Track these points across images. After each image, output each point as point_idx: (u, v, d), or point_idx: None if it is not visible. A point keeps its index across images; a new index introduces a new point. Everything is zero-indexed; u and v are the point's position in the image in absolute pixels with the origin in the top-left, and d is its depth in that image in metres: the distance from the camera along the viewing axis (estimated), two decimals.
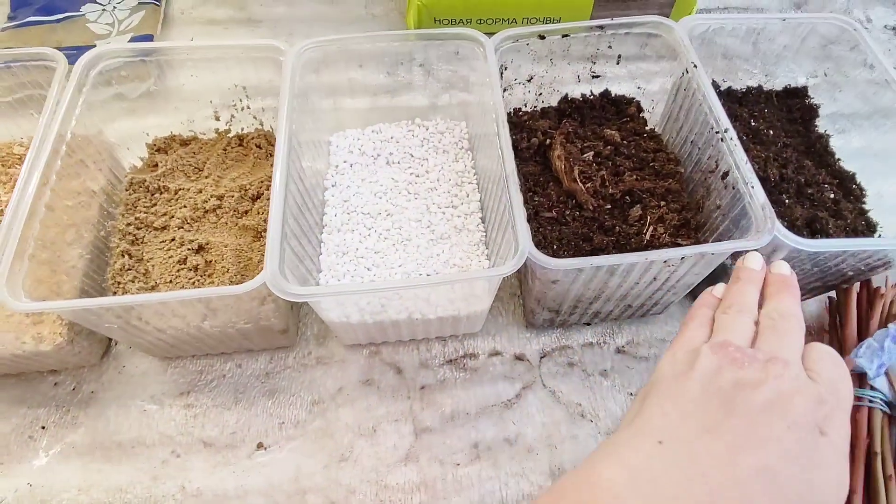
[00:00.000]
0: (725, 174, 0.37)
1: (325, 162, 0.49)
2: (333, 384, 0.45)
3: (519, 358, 0.46)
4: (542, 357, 0.46)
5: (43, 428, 0.42)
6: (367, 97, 0.54)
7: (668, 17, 0.65)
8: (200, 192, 0.45)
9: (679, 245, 0.39)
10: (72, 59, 0.61)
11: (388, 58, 0.64)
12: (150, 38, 0.62)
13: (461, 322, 0.42)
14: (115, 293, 0.40)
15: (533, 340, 0.46)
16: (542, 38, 0.45)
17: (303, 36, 0.68)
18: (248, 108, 0.48)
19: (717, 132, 0.39)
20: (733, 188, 0.36)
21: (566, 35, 0.45)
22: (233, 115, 0.48)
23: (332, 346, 0.46)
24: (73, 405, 0.43)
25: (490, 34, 0.66)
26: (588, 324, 0.46)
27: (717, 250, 0.32)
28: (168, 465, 0.41)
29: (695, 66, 0.42)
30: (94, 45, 0.63)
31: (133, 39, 0.61)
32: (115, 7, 0.65)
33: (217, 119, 0.48)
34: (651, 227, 0.40)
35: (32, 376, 0.44)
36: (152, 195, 0.45)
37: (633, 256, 0.32)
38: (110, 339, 0.46)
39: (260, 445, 0.42)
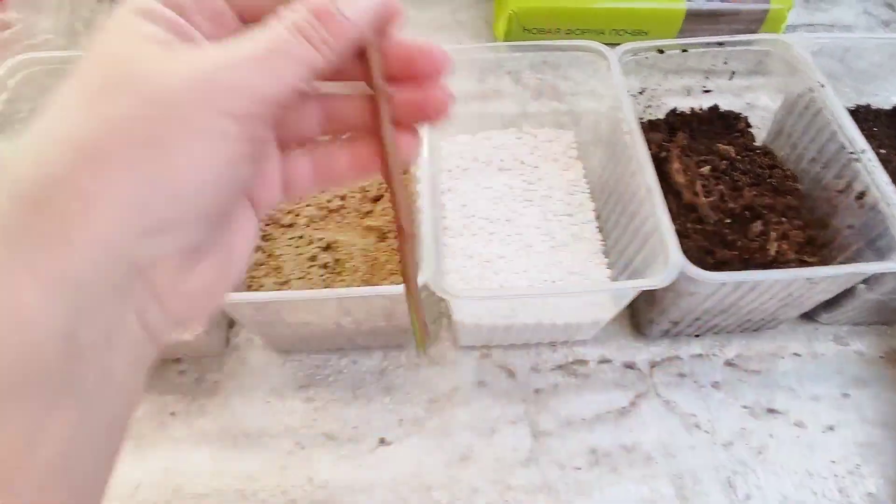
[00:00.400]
0: (861, 195, 0.38)
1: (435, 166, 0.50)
2: (447, 384, 0.46)
3: (629, 366, 0.46)
4: (652, 367, 0.46)
5: (173, 414, 0.44)
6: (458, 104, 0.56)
7: (755, 32, 0.66)
8: (324, 190, 0.46)
9: (805, 262, 0.40)
10: None
11: (479, 65, 0.66)
12: None
13: (581, 329, 0.43)
14: (249, 286, 0.42)
15: (642, 350, 0.47)
16: (661, 52, 0.46)
17: None
18: None
19: (850, 153, 0.39)
20: (871, 209, 0.37)
21: (685, 50, 0.46)
22: None
23: (443, 347, 0.47)
24: (199, 394, 0.45)
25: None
26: (697, 335, 0.47)
27: (873, 270, 0.33)
28: (294, 456, 0.42)
29: (821, 84, 0.43)
30: None
31: None
32: None
33: None
34: (776, 243, 0.41)
35: (158, 364, 0.46)
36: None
37: (793, 272, 0.32)
38: (229, 331, 0.47)
39: (382, 441, 0.43)
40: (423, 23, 0.69)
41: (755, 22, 0.65)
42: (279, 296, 0.35)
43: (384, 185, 0.47)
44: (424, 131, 0.26)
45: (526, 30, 0.66)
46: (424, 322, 0.22)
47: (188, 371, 0.46)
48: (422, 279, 0.33)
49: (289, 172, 0.19)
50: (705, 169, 0.45)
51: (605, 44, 0.66)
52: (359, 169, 0.20)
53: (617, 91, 0.43)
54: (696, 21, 0.65)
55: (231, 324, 0.47)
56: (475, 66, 0.52)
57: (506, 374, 0.46)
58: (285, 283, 0.42)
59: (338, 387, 0.45)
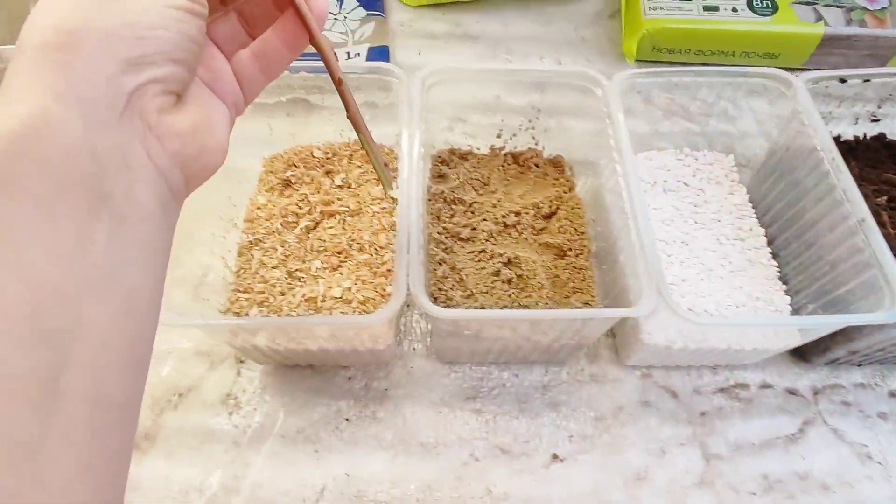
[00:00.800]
0: None
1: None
2: (611, 402, 0.46)
3: (791, 392, 0.47)
4: (814, 393, 0.47)
5: (347, 420, 0.45)
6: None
7: (888, 59, 0.65)
8: (495, 206, 0.47)
9: None
10: (317, 62, 0.65)
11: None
12: (385, 49, 0.64)
13: (755, 355, 0.44)
14: (436, 298, 0.42)
15: (802, 376, 0.47)
16: (843, 81, 0.46)
17: (521, 55, 0.71)
18: (533, 128, 0.50)
19: None
20: None
21: (867, 80, 0.46)
22: (514, 134, 0.50)
23: (603, 364, 0.48)
24: (370, 400, 0.46)
25: (703, 65, 0.68)
26: (859, 364, 0.47)
27: None
28: (469, 467, 0.43)
29: None
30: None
31: (370, 49, 0.64)
32: (346, 17, 0.68)
33: (499, 136, 0.51)
34: None
35: (326, 370, 0.47)
36: (450, 206, 0.47)
37: None
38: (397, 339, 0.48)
39: (555, 457, 0.43)
40: (546, 38, 0.70)
41: (892, 48, 0.65)
42: (498, 314, 0.35)
43: (556, 203, 0.47)
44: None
45: (656, 49, 0.66)
46: (384, 162, 0.30)
47: (356, 377, 0.47)
48: (644, 307, 0.34)
49: (237, 69, 0.24)
50: (882, 199, 0.45)
51: (732, 65, 0.67)
52: (288, 43, 0.25)
53: (811, 119, 0.43)
54: (831, 45, 0.65)
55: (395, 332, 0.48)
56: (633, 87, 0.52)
57: (669, 395, 0.47)
58: (470, 295, 0.42)
59: (504, 400, 0.46)
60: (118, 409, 0.18)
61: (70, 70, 0.18)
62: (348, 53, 0.64)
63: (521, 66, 0.45)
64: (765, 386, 0.47)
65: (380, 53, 0.64)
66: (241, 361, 0.47)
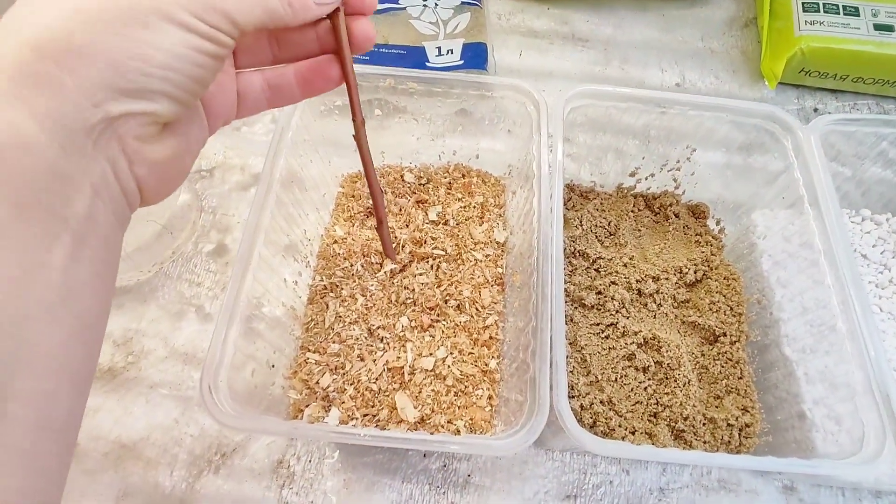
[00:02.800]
0: None
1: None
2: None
3: None
4: None
5: None
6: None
7: None
8: (626, 266, 0.37)
9: None
10: (400, 59, 0.56)
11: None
12: (483, 47, 0.55)
13: None
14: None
15: None
16: None
17: (640, 65, 0.60)
18: (678, 169, 0.40)
19: None
20: None
21: None
22: (652, 174, 0.41)
23: (735, 469, 0.39)
24: (449, 488, 0.37)
25: (858, 93, 0.57)
26: None
27: None
28: None
29: None
30: (422, 46, 0.58)
31: (465, 46, 0.55)
32: (437, 4, 0.59)
33: (632, 175, 0.41)
34: None
35: (401, 449, 0.39)
36: (570, 260, 0.38)
37: None
38: None
39: None
40: (668, 46, 0.60)
41: None
42: (668, 456, 0.26)
43: (703, 267, 0.38)
44: None
45: (804, 72, 0.55)
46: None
47: (432, 455, 0.38)
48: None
49: (242, 86, 0.24)
50: None
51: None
52: (304, 84, 0.25)
53: None
54: None
55: None
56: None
57: None
58: (594, 382, 0.34)
59: (609, 502, 0.37)
60: (61, 431, 0.18)
61: (58, 89, 0.16)
62: (439, 49, 0.55)
63: (686, 95, 0.35)
64: None
65: (476, 52, 0.54)
66: None
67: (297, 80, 0.24)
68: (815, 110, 0.56)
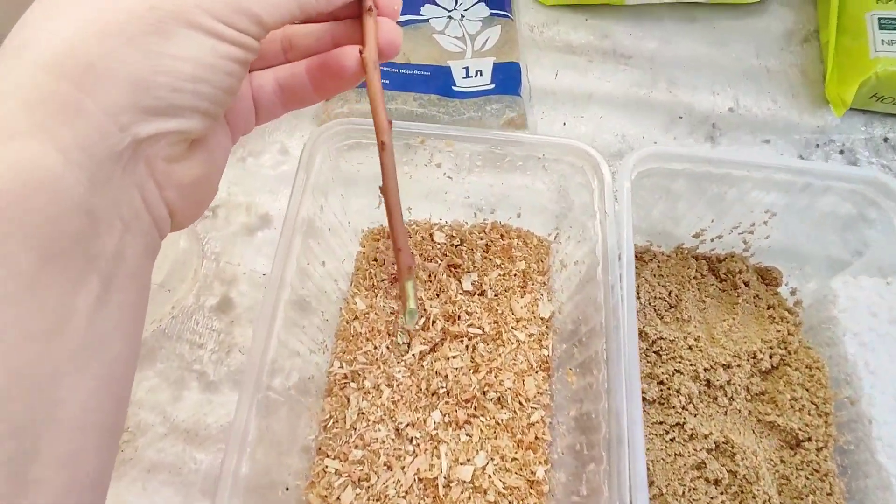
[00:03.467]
0: None
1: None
2: None
3: None
4: None
5: None
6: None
7: None
8: (692, 349, 0.32)
9: None
10: (424, 83, 0.49)
11: (800, 135, 0.50)
12: (515, 67, 0.49)
13: None
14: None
15: None
16: None
17: (688, 87, 0.53)
18: (752, 232, 0.35)
19: None
20: None
21: None
22: (720, 236, 0.35)
23: None
24: None
25: None
26: None
27: None
28: None
29: None
30: (448, 67, 0.52)
31: (496, 66, 0.49)
32: (462, 16, 0.52)
33: (697, 236, 0.36)
34: None
35: None
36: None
37: None
38: None
39: None
40: (719, 64, 0.53)
41: None
42: None
43: (780, 351, 0.33)
44: None
45: (877, 97, 0.49)
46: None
47: None
48: None
49: (257, 93, 0.22)
50: None
51: None
52: (318, 85, 0.22)
53: None
54: None
55: None
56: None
57: None
58: (658, 495, 0.29)
59: None
60: (90, 487, 0.16)
61: (80, 114, 0.14)
62: (467, 70, 0.49)
63: (775, 159, 0.30)
64: None
65: (508, 74, 0.48)
66: None
67: (309, 77, 0.22)
68: (886, 140, 0.51)
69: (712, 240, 0.35)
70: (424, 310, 0.33)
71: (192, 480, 0.36)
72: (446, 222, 0.36)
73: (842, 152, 0.50)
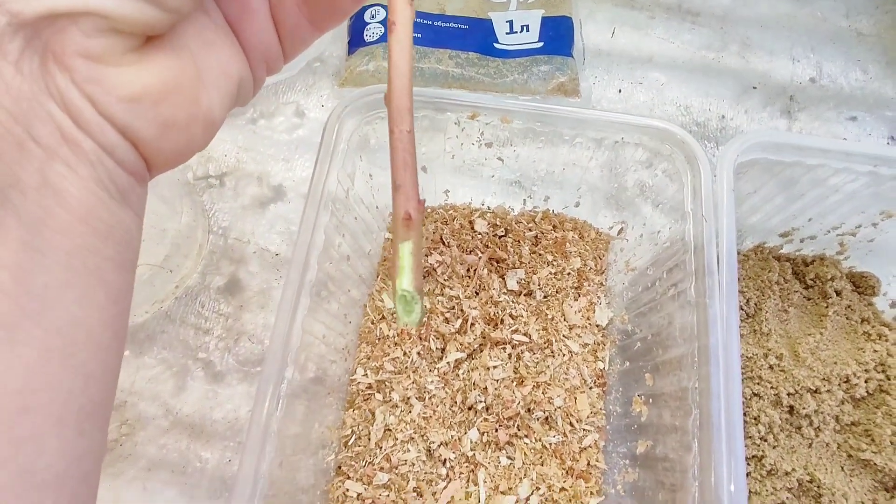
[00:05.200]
0: None
1: None
2: None
3: None
4: None
5: None
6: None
7: None
8: (772, 369, 0.28)
9: None
10: (461, 37, 0.41)
11: (894, 112, 0.44)
12: (567, 23, 0.42)
13: None
14: None
15: None
16: None
17: (765, 52, 0.46)
18: (854, 234, 0.29)
19: None
20: None
21: None
22: (814, 237, 0.30)
23: None
24: None
25: None
26: None
27: None
28: None
29: None
30: (489, 20, 0.45)
31: (545, 21, 0.43)
32: None
33: (785, 235, 0.30)
34: None
35: None
36: None
37: None
38: None
39: None
40: (800, 25, 0.46)
41: None
42: None
43: (876, 374, 0.28)
44: None
45: None
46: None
47: None
48: None
49: (277, 14, 0.16)
50: None
51: None
52: None
53: None
54: None
55: None
56: None
57: None
58: None
59: None
60: (57, 483, 0.14)
61: None
62: (511, 24, 0.42)
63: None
64: None
65: (558, 30, 0.42)
66: None
67: None
68: None
69: (802, 240, 0.30)
70: (462, 310, 0.28)
71: (196, 481, 0.33)
72: (489, 208, 0.31)
73: None
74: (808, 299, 0.31)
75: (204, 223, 0.39)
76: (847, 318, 0.30)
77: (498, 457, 0.26)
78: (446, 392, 0.27)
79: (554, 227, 0.30)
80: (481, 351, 0.28)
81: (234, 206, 0.40)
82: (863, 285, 0.31)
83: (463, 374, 0.28)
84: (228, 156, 0.42)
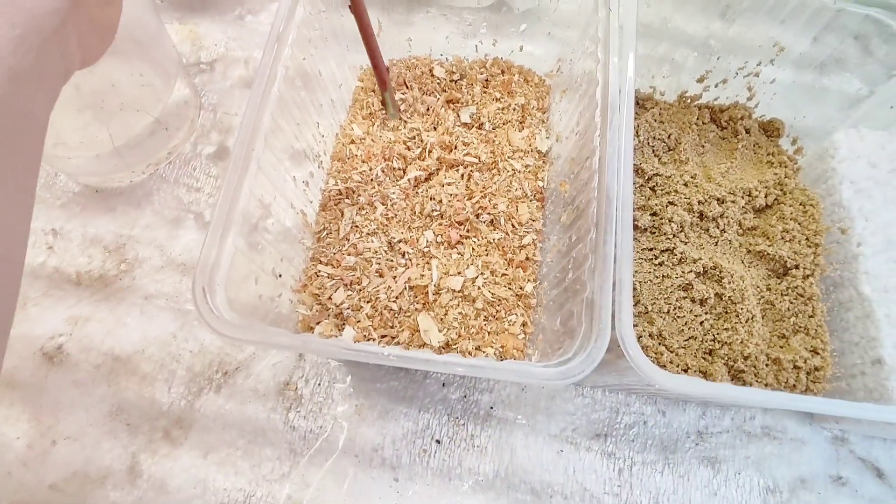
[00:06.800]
0: None
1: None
2: (790, 471, 0.34)
3: None
4: None
5: (437, 442, 0.34)
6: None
7: None
8: (687, 185, 0.32)
9: None
10: None
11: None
12: None
13: None
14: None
15: None
16: None
17: None
18: (757, 74, 0.34)
19: None
20: None
21: None
22: (725, 80, 0.35)
23: (781, 415, 0.36)
24: (469, 419, 0.34)
25: None
26: None
27: None
28: None
29: None
30: None
31: None
32: None
33: (701, 81, 0.35)
34: None
35: (419, 375, 0.35)
36: None
37: None
38: None
39: None
40: None
41: None
42: (728, 392, 0.22)
43: (775, 191, 0.33)
44: None
45: None
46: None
47: (452, 383, 0.35)
48: None
49: None
50: None
51: None
52: None
53: None
54: None
55: None
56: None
57: (873, 474, 0.35)
58: (644, 313, 0.30)
59: (644, 444, 0.35)
60: None
61: None
62: None
63: None
64: None
65: None
66: None
67: None
68: None
69: (716, 85, 0.35)
70: (422, 140, 0.33)
71: (188, 309, 0.37)
72: (447, 59, 0.36)
73: (856, 37, 0.49)
74: (723, 139, 0.35)
75: (196, 101, 0.43)
76: (755, 153, 0.35)
77: (450, 253, 0.31)
78: (406, 203, 0.31)
79: (502, 71, 0.34)
80: (437, 172, 0.32)
81: (223, 86, 0.44)
82: (770, 129, 0.36)
83: (421, 191, 0.32)
84: (218, 45, 0.46)
